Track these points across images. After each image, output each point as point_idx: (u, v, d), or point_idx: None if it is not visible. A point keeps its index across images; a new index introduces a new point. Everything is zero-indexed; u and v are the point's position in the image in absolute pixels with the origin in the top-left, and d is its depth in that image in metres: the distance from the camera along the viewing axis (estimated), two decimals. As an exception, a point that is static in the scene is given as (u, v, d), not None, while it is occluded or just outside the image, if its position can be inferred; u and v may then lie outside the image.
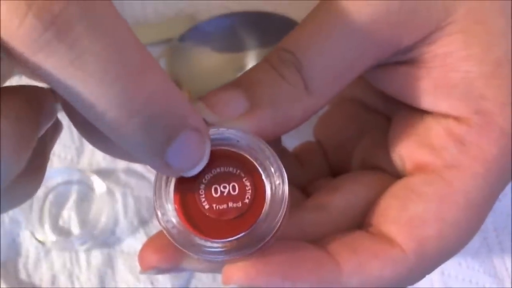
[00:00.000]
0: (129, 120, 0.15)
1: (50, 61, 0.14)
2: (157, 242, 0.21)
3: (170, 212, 0.19)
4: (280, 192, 0.19)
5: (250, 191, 0.19)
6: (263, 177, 0.19)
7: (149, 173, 0.34)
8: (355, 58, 0.20)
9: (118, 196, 0.34)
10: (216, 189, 0.19)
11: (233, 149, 0.19)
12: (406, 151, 0.22)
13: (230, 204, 0.19)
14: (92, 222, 0.32)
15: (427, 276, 0.32)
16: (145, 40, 0.37)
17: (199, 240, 0.18)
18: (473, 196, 0.21)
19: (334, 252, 0.20)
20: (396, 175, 0.23)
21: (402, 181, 0.22)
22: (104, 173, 0.34)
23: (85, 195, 0.34)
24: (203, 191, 0.19)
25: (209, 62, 0.36)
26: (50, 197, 0.34)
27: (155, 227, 0.33)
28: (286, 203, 0.18)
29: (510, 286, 0.32)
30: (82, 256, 0.32)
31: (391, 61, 0.21)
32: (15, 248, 0.33)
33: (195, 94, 0.35)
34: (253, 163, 0.19)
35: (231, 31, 0.37)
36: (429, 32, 0.20)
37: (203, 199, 0.19)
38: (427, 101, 0.21)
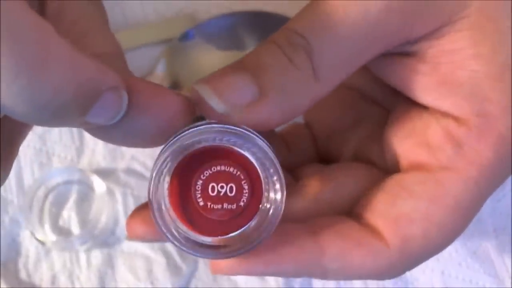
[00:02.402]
0: (42, 112, 0.15)
1: None
2: (145, 213, 0.21)
3: (165, 206, 0.18)
4: (277, 203, 0.18)
5: (247, 195, 0.18)
6: (263, 183, 0.19)
7: (149, 172, 0.34)
8: (366, 46, 0.20)
9: (118, 196, 0.34)
10: (213, 188, 0.18)
11: (237, 149, 0.18)
12: (402, 148, 0.22)
13: (225, 205, 0.18)
14: (92, 222, 0.32)
15: (427, 276, 0.32)
16: (145, 40, 0.37)
17: (189, 235, 0.18)
18: (463, 199, 0.21)
19: (320, 236, 0.21)
20: (387, 171, 0.23)
21: (394, 176, 0.22)
22: (104, 173, 0.34)
23: (85, 195, 0.34)
24: (200, 187, 0.18)
25: (209, 62, 0.36)
26: (50, 197, 0.34)
27: (155, 227, 0.33)
28: (280, 215, 0.18)
29: (510, 286, 0.32)
30: (82, 256, 0.32)
31: (397, 51, 0.21)
32: (15, 248, 0.33)
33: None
34: (255, 167, 0.18)
35: (231, 31, 0.37)
36: (440, 25, 0.20)
37: (199, 195, 0.18)
38: (429, 97, 0.21)
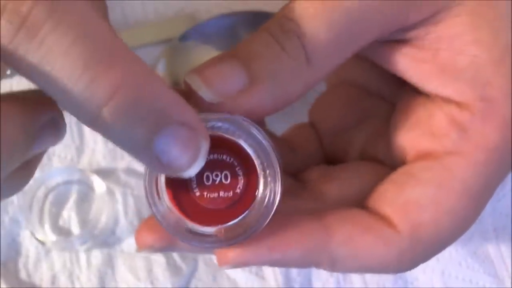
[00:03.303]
0: (102, 111, 0.15)
1: (24, 61, 0.15)
2: (152, 223, 0.20)
3: (162, 199, 0.18)
4: (273, 185, 0.18)
5: (242, 181, 0.18)
6: (257, 167, 0.18)
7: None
8: (359, 32, 0.20)
9: (118, 196, 0.34)
10: (208, 177, 0.18)
11: (228, 136, 0.18)
12: (408, 140, 0.22)
13: (221, 193, 0.18)
14: (92, 222, 0.32)
15: (427, 276, 0.32)
16: (145, 40, 0.37)
17: (190, 226, 0.18)
18: (472, 184, 0.20)
19: (327, 222, 0.20)
20: (394, 168, 0.22)
21: (401, 168, 0.22)
22: (104, 173, 0.34)
23: (85, 195, 0.33)
24: (195, 178, 0.18)
25: (209, 62, 0.36)
26: (50, 197, 0.34)
27: (155, 227, 0.33)
28: (279, 196, 0.18)
29: (510, 286, 0.32)
30: (82, 256, 0.32)
31: (394, 38, 0.21)
32: (15, 248, 0.33)
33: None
34: (248, 152, 0.18)
35: (231, 31, 0.37)
36: (437, 11, 0.20)
37: (195, 186, 0.18)
38: (431, 84, 0.21)
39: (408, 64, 0.21)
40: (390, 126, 0.23)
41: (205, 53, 0.36)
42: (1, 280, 0.32)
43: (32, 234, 0.32)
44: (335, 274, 0.32)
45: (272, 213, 0.18)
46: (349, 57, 0.20)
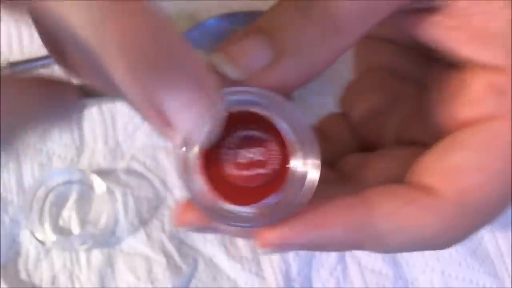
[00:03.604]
0: (107, 46, 0.14)
1: None
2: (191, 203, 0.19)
3: (197, 181, 0.18)
4: (310, 161, 0.17)
5: (277, 156, 0.18)
6: (293, 143, 0.18)
7: (149, 173, 0.34)
8: None
9: (118, 196, 0.34)
10: (243, 155, 0.18)
11: (260, 111, 0.18)
12: (446, 112, 0.21)
13: (257, 171, 0.18)
14: (92, 222, 0.32)
15: (427, 276, 0.32)
16: (145, 40, 0.37)
17: (227, 207, 0.18)
18: None
19: (367, 198, 0.19)
20: None
21: (442, 140, 0.21)
22: (104, 173, 0.34)
23: (85, 195, 0.33)
24: (229, 157, 0.18)
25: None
26: (50, 197, 0.34)
27: (155, 227, 0.33)
28: (317, 172, 0.17)
29: (510, 286, 0.32)
30: (82, 256, 0.32)
31: (423, 7, 0.20)
32: (15, 248, 0.33)
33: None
34: (282, 127, 0.18)
35: (231, 31, 0.37)
36: None
37: (230, 165, 0.18)
38: (465, 51, 0.20)
39: (439, 33, 0.20)
40: (426, 104, 0.22)
41: (205, 53, 0.36)
42: (1, 280, 0.32)
43: (32, 234, 0.32)
44: (335, 274, 0.32)
45: (310, 189, 0.18)
46: (376, 23, 0.19)
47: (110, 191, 0.34)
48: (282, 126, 0.18)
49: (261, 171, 0.18)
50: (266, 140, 0.18)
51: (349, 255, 0.32)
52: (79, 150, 0.35)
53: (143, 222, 0.33)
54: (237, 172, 0.18)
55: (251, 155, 0.18)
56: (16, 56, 0.37)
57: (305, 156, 0.18)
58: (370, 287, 0.32)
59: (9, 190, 0.34)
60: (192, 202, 0.18)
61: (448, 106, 0.21)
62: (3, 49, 0.37)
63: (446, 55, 0.21)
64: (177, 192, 0.34)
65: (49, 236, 0.33)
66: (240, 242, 0.33)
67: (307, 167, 0.18)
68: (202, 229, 0.20)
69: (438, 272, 0.32)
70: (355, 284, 0.32)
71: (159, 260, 0.32)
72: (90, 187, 0.33)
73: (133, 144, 0.35)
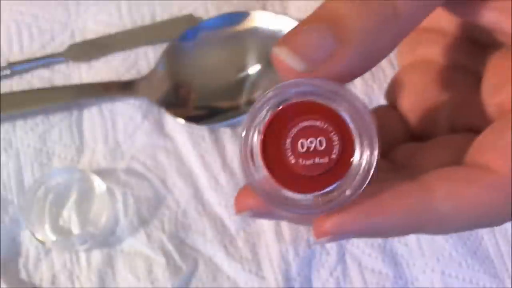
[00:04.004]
0: None
1: None
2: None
3: (258, 168, 0.18)
4: (370, 149, 0.18)
5: (337, 146, 0.18)
6: (352, 132, 0.18)
7: (150, 173, 0.34)
8: None
9: (118, 196, 0.34)
10: (302, 144, 0.18)
11: (321, 101, 0.18)
12: (505, 93, 0.21)
13: (317, 160, 0.18)
14: (92, 222, 0.32)
15: (427, 276, 0.32)
16: (145, 40, 0.37)
17: (286, 195, 0.18)
18: None
19: (425, 182, 0.19)
20: None
21: (498, 119, 0.20)
22: (104, 173, 0.34)
23: (85, 195, 0.33)
24: (290, 146, 0.18)
25: (209, 61, 0.36)
26: (50, 197, 0.34)
27: (155, 227, 0.33)
28: (376, 160, 0.18)
29: (510, 286, 0.32)
30: (82, 256, 0.32)
31: None
32: (15, 248, 0.33)
33: (196, 94, 0.35)
34: (342, 117, 0.18)
35: (231, 31, 0.37)
36: None
37: (290, 154, 0.18)
38: None
39: (495, 14, 0.20)
40: (482, 87, 0.22)
41: (205, 53, 0.36)
42: (1, 280, 0.32)
43: (32, 234, 0.32)
44: (335, 274, 0.32)
45: (370, 177, 0.18)
46: (435, 8, 0.19)
47: (110, 191, 0.34)
48: (344, 115, 0.18)
49: (321, 160, 0.18)
50: (327, 130, 0.18)
51: (349, 255, 0.32)
52: (79, 150, 0.35)
53: (143, 222, 0.33)
54: (297, 161, 0.18)
55: (312, 145, 0.18)
56: (16, 56, 0.37)
57: (365, 145, 0.18)
58: (370, 287, 0.32)
59: (9, 190, 0.34)
60: (252, 189, 0.18)
61: (504, 89, 0.21)
62: (3, 49, 0.37)
63: (502, 38, 0.21)
64: (177, 192, 0.34)
65: (49, 236, 0.33)
66: (240, 242, 0.33)
67: (366, 157, 0.18)
68: (260, 214, 0.20)
69: (438, 272, 0.32)
70: (355, 284, 0.32)
71: (159, 260, 0.32)
72: (90, 187, 0.33)
73: (133, 144, 0.35)
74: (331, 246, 0.32)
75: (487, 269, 0.32)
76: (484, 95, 0.22)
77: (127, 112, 0.35)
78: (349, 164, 0.18)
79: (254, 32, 0.36)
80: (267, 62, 0.35)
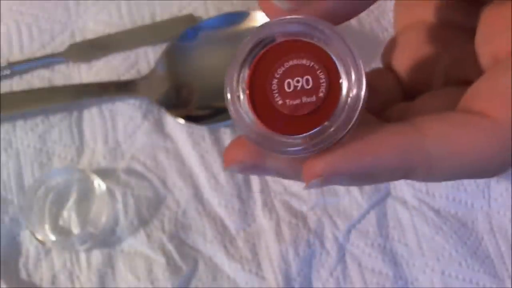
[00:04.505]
0: None
1: None
2: (241, 141, 0.19)
3: (246, 114, 0.18)
4: (358, 85, 0.17)
5: (324, 84, 0.18)
6: (339, 69, 0.17)
7: (150, 173, 0.34)
8: None
9: (118, 196, 0.34)
10: (289, 84, 0.18)
11: (307, 40, 0.18)
12: (500, 43, 0.20)
13: (304, 99, 0.18)
14: (92, 222, 0.32)
15: (427, 276, 0.32)
16: (145, 40, 0.37)
17: (277, 138, 0.18)
18: None
19: (418, 123, 0.19)
20: None
21: (493, 66, 0.20)
22: (104, 173, 0.34)
23: (85, 195, 0.34)
24: (276, 86, 0.18)
25: (209, 61, 0.36)
26: (50, 197, 0.34)
27: (155, 227, 0.33)
28: (364, 93, 0.17)
29: (510, 286, 0.32)
30: (82, 256, 0.32)
31: None
32: (15, 248, 0.33)
33: (196, 94, 0.35)
34: (328, 55, 0.18)
35: (231, 31, 0.37)
36: None
37: (276, 95, 0.18)
38: None
39: None
40: (476, 39, 0.21)
41: (205, 53, 0.36)
42: (1, 280, 0.32)
43: (32, 234, 0.32)
44: (335, 274, 0.32)
45: (357, 113, 0.17)
46: None
47: (110, 191, 0.34)
48: (330, 53, 0.18)
49: (309, 99, 0.18)
50: (313, 68, 0.18)
51: (349, 255, 0.32)
52: (79, 150, 0.35)
53: (143, 222, 0.33)
54: (284, 102, 0.18)
55: (299, 84, 0.18)
56: (16, 56, 0.37)
57: (353, 82, 0.17)
58: (370, 287, 0.32)
59: (9, 190, 0.34)
60: (243, 135, 0.18)
61: (502, 35, 0.20)
62: (3, 49, 0.37)
63: None
64: (177, 192, 0.34)
65: (49, 236, 0.33)
66: (240, 242, 0.33)
67: (354, 94, 0.17)
68: (249, 168, 0.20)
69: (438, 272, 0.32)
70: (355, 284, 0.32)
71: (159, 260, 0.32)
72: (90, 187, 0.33)
73: (133, 144, 0.35)
74: (331, 246, 0.32)
75: (487, 269, 0.32)
76: (478, 46, 0.21)
77: (127, 112, 0.35)
78: (336, 101, 0.18)
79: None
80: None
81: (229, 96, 0.18)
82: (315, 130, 0.18)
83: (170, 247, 0.32)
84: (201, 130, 0.35)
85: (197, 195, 0.34)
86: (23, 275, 0.32)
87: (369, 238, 0.33)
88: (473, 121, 0.19)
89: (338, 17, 0.18)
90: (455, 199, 0.33)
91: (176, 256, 0.32)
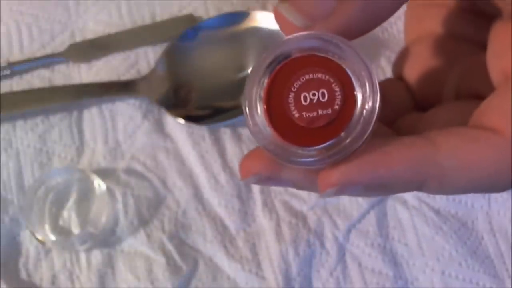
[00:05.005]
0: None
1: None
2: (257, 152, 0.20)
3: (263, 126, 0.18)
4: (372, 98, 0.18)
5: (339, 96, 0.18)
6: (354, 82, 0.18)
7: (150, 173, 0.34)
8: None
9: (118, 196, 0.34)
10: (305, 97, 0.18)
11: (321, 54, 0.18)
12: (510, 60, 0.20)
13: (320, 111, 0.18)
14: (92, 222, 0.32)
15: (427, 276, 0.32)
16: (145, 40, 0.37)
17: (293, 149, 0.18)
18: None
19: (431, 137, 0.19)
20: None
21: (505, 83, 0.20)
22: (104, 173, 0.34)
23: (85, 195, 0.34)
24: (293, 100, 0.18)
25: (209, 61, 0.36)
26: (50, 197, 0.34)
27: (155, 227, 0.33)
28: (378, 105, 0.18)
29: (510, 287, 0.32)
30: (82, 256, 0.32)
31: None
32: (15, 248, 0.33)
33: (196, 94, 0.35)
34: (343, 68, 0.18)
35: (231, 31, 0.37)
36: None
37: (293, 108, 0.18)
38: None
39: None
40: (487, 54, 0.22)
41: (205, 53, 0.36)
42: (1, 280, 0.32)
43: (32, 234, 0.32)
44: (335, 274, 0.32)
45: (372, 124, 0.18)
46: None
47: (110, 191, 0.34)
48: (345, 67, 0.18)
49: (324, 111, 0.18)
50: (329, 81, 0.18)
51: (349, 255, 0.32)
52: (79, 150, 0.35)
53: (143, 222, 0.33)
54: (301, 114, 0.18)
55: (314, 97, 0.18)
56: (16, 56, 0.37)
57: (368, 96, 0.18)
58: (370, 287, 0.32)
59: (9, 190, 0.34)
60: (261, 146, 0.19)
61: (507, 55, 0.21)
62: (3, 49, 0.37)
63: (502, 6, 0.21)
64: (177, 192, 0.34)
65: (49, 236, 0.33)
66: (240, 242, 0.33)
67: (368, 106, 0.18)
68: (265, 179, 0.20)
69: (438, 272, 0.32)
70: (355, 284, 0.32)
71: (159, 260, 0.32)
72: (90, 187, 0.33)
73: (133, 144, 0.35)
74: (331, 246, 0.32)
75: (487, 269, 0.32)
76: (489, 62, 0.21)
77: (127, 112, 0.35)
78: (351, 114, 0.18)
79: (254, 32, 0.36)
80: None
81: (247, 110, 0.18)
82: (330, 141, 0.18)
83: (170, 247, 0.32)
84: (201, 130, 0.35)
85: (197, 195, 0.34)
86: (23, 275, 0.32)
87: (369, 238, 0.33)
88: (484, 137, 0.19)
89: (352, 32, 0.19)
90: (455, 199, 0.33)
91: (176, 256, 0.32)
